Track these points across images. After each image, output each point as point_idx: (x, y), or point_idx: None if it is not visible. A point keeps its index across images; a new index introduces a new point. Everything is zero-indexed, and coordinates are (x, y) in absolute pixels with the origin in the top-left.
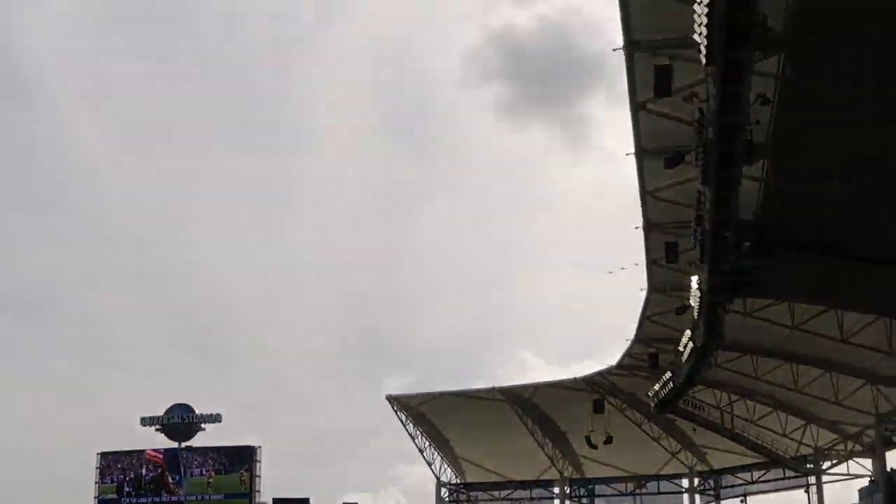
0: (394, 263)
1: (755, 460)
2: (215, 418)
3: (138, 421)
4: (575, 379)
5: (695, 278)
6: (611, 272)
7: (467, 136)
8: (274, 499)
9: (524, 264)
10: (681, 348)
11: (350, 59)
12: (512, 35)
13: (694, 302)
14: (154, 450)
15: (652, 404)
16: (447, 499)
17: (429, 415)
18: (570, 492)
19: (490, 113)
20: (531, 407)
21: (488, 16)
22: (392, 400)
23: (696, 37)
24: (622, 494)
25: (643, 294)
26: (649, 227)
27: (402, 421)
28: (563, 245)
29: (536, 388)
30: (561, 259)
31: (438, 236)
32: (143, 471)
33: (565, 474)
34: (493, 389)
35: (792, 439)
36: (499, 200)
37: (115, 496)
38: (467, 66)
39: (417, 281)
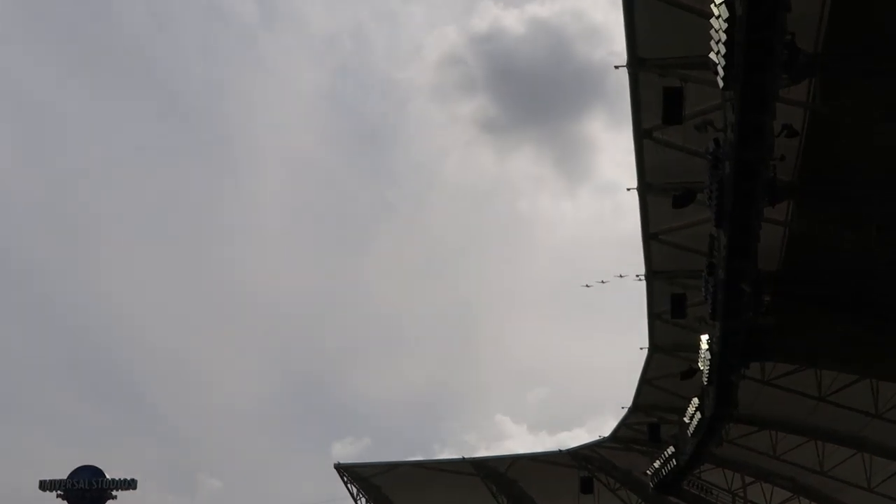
0: (344, 303)
1: None
2: (129, 484)
3: (37, 485)
4: (560, 451)
5: (704, 337)
6: (588, 285)
7: (439, 157)
8: None
9: (501, 310)
10: (686, 419)
11: (298, 64)
12: (498, 39)
13: (703, 365)
14: None
15: (651, 485)
16: None
17: (385, 488)
18: None
19: (468, 130)
20: (507, 483)
21: (471, 16)
22: (342, 469)
23: (712, 56)
24: None
25: (644, 353)
26: (653, 275)
27: (352, 495)
28: (549, 290)
29: (514, 460)
30: (547, 307)
31: (397, 273)
32: None
33: None
34: (462, 461)
35: None
36: (472, 233)
37: None
38: (443, 75)
39: (371, 324)
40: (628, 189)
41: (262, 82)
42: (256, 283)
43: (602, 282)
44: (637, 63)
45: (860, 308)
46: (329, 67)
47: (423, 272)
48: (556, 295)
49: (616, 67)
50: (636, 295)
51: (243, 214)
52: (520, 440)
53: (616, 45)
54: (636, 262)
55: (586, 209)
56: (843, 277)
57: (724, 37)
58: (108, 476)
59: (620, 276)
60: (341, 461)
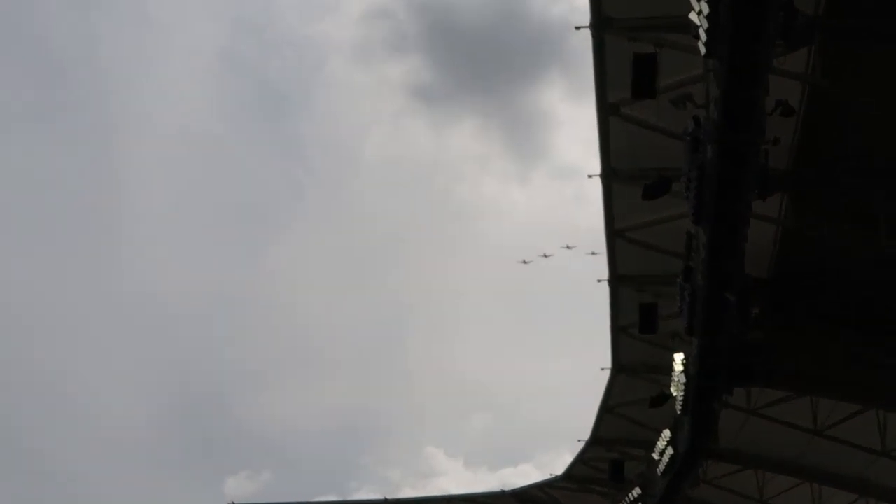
0: (246, 308)
1: None
2: None
3: None
4: (503, 492)
5: (679, 356)
6: (526, 261)
7: (361, 131)
8: None
9: (437, 318)
10: (656, 455)
11: (190, 16)
12: None
13: (677, 390)
14: None
15: None
16: None
17: None
18: None
19: (397, 98)
20: None
21: None
22: None
23: (693, 16)
24: None
25: (605, 375)
26: (617, 280)
27: None
28: (495, 295)
29: (448, 501)
30: (492, 315)
31: (311, 272)
32: None
33: None
34: (384, 503)
35: None
36: (402, 223)
37: None
38: (367, 30)
39: (280, 334)
40: (590, 176)
41: (146, 38)
42: (139, 284)
43: (545, 255)
44: (602, 23)
45: (866, 323)
46: (227, 20)
47: (343, 271)
48: (504, 301)
49: (577, 28)
50: (598, 303)
51: (123, 199)
52: (454, 477)
53: (578, 0)
54: (600, 264)
55: (541, 197)
56: (846, 286)
57: None
58: None
59: (567, 247)
60: (235, 501)
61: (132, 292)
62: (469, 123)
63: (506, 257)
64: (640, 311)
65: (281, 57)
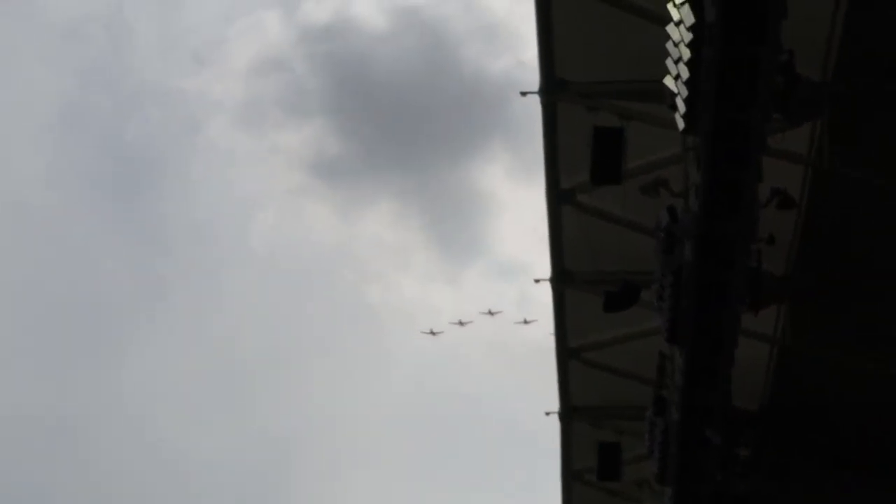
0: (88, 438)
1: None
2: None
3: None
4: None
5: None
6: (433, 332)
7: (246, 211)
8: None
9: (327, 460)
10: None
11: (27, 59)
12: (345, 36)
13: None
14: None
15: None
16: None
17: None
18: None
19: (293, 173)
20: None
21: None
22: None
23: (668, 82)
24: None
25: None
26: (571, 414)
27: None
28: (405, 430)
29: None
30: (400, 457)
31: (165, 397)
32: None
33: None
34: None
35: None
36: (292, 335)
37: None
38: (256, 86)
39: (127, 474)
40: (537, 280)
41: None
42: None
43: (460, 323)
44: (555, 88)
45: (882, 467)
46: (73, 67)
47: (214, 395)
48: (420, 434)
49: (523, 94)
50: (546, 441)
51: None
52: None
53: (525, 52)
54: (549, 392)
55: (474, 301)
56: (855, 420)
57: (686, 53)
58: None
59: (490, 312)
60: None
61: None
62: (383, 207)
63: (425, 375)
64: (599, 452)
65: (141, 115)
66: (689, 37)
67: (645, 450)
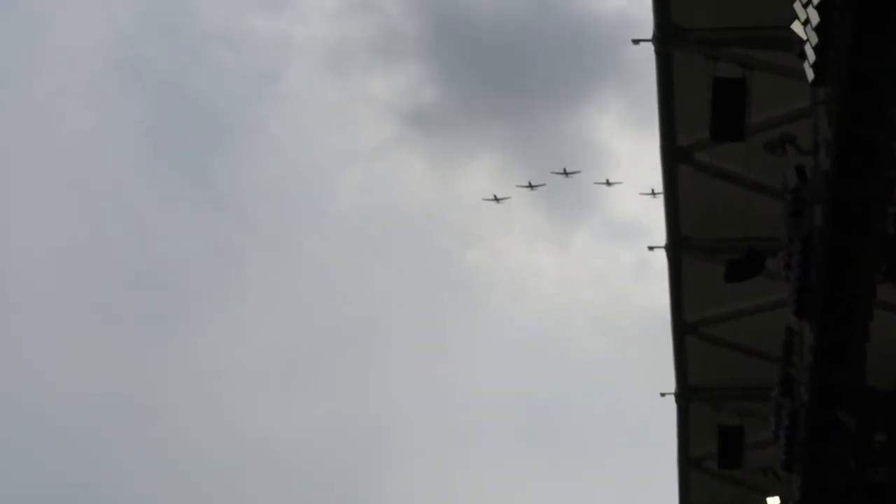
0: (164, 410)
1: None
2: None
3: None
4: None
5: (773, 501)
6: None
7: (330, 167)
8: None
9: (423, 444)
10: None
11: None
12: None
13: None
14: None
15: None
16: None
17: None
18: None
19: (385, 122)
20: None
21: None
22: None
23: (796, 27)
24: None
25: None
26: (688, 393)
27: None
28: (508, 410)
29: None
30: (502, 441)
31: (243, 372)
32: None
33: None
34: None
35: None
36: (381, 303)
37: None
38: (344, 29)
39: (206, 444)
40: (651, 248)
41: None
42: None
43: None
44: (670, 35)
45: None
46: (129, 9)
47: (294, 371)
48: (523, 415)
49: (635, 42)
50: (661, 425)
51: None
52: None
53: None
54: (664, 371)
55: (585, 267)
56: None
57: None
58: None
59: None
60: None
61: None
62: (484, 160)
63: (527, 349)
64: (720, 436)
65: (208, 62)
66: None
67: (770, 434)
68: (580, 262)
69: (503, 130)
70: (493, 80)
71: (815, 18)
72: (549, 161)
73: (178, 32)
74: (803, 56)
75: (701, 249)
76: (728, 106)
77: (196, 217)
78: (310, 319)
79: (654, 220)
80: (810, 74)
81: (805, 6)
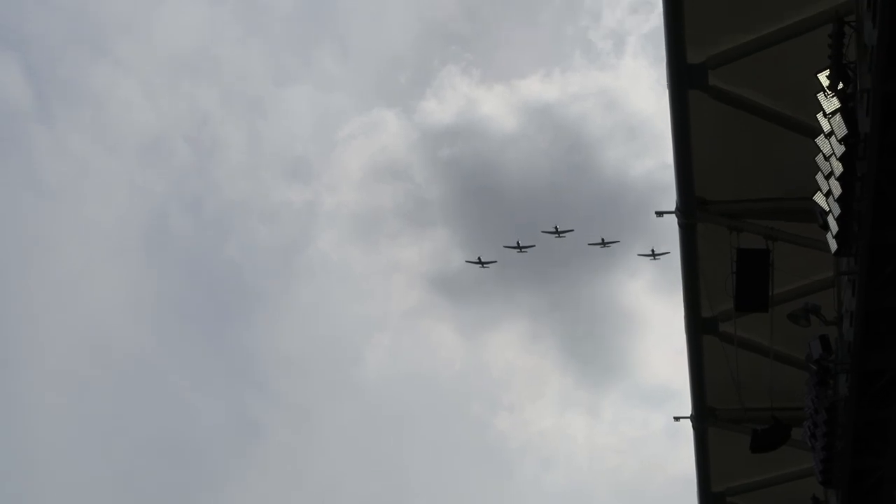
0: None
1: None
2: None
3: None
4: None
5: None
6: None
7: (358, 335)
8: None
9: None
10: None
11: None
12: (471, 136)
13: None
14: None
15: None
16: None
17: None
18: None
19: (413, 289)
20: None
21: (423, 92)
22: None
23: (818, 199)
24: None
25: None
26: None
27: None
28: None
29: None
30: None
31: None
32: None
33: None
34: None
35: None
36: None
37: None
38: (371, 195)
39: None
40: (676, 419)
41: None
42: None
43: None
44: (693, 206)
45: None
46: (155, 186)
47: None
48: None
49: (658, 214)
50: None
51: None
52: None
53: (669, 154)
54: None
55: (613, 435)
56: None
57: (838, 167)
58: None
59: None
60: None
61: None
62: (515, 327)
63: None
64: None
65: (234, 233)
66: (841, 149)
67: None
68: (610, 429)
69: (533, 296)
70: (522, 243)
71: (837, 190)
72: (578, 326)
73: (204, 203)
74: (826, 227)
75: (726, 420)
76: (752, 277)
77: (219, 386)
78: (336, 492)
79: (685, 383)
80: (833, 245)
81: (827, 178)
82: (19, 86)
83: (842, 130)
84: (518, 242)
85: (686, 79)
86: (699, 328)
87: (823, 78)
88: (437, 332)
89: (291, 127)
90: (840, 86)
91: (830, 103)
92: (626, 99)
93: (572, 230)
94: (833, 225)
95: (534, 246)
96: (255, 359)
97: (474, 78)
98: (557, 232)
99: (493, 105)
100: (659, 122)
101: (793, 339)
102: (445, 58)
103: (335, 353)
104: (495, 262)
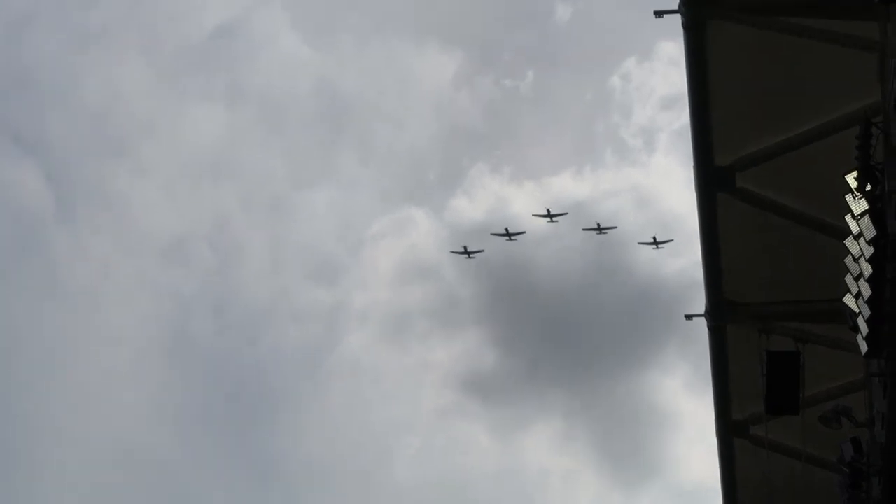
0: None
1: None
2: None
3: None
4: None
5: None
6: None
7: (388, 438)
8: None
9: None
10: None
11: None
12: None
13: None
14: None
15: None
16: None
17: None
18: None
19: (445, 390)
20: None
21: (452, 190)
22: None
23: (848, 301)
24: None
25: None
26: None
27: None
28: None
29: None
30: None
31: None
32: None
33: None
34: None
35: None
36: None
37: None
38: (401, 295)
39: None
40: None
41: None
42: None
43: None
44: (723, 310)
45: None
46: (177, 290)
47: None
48: None
49: (688, 318)
50: None
51: None
52: None
53: (698, 253)
54: None
55: None
56: None
57: (868, 269)
58: None
59: None
60: None
61: None
62: (547, 427)
63: None
64: None
65: (266, 332)
66: (870, 251)
67: None
68: None
69: (566, 395)
70: (554, 344)
71: (866, 292)
72: (612, 425)
73: (227, 305)
74: (856, 329)
75: None
76: (782, 379)
77: (242, 492)
78: None
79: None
80: (864, 347)
81: (857, 279)
82: (41, 189)
83: (870, 232)
84: (507, 229)
85: (714, 181)
86: (730, 431)
87: (851, 179)
88: (468, 434)
89: (316, 227)
90: (868, 187)
91: (859, 205)
92: (657, 196)
93: (566, 213)
94: (863, 326)
95: (524, 232)
96: (279, 464)
97: (505, 175)
98: (550, 216)
99: (524, 202)
100: (691, 220)
101: (824, 441)
102: (475, 156)
103: (363, 456)
104: (482, 251)
